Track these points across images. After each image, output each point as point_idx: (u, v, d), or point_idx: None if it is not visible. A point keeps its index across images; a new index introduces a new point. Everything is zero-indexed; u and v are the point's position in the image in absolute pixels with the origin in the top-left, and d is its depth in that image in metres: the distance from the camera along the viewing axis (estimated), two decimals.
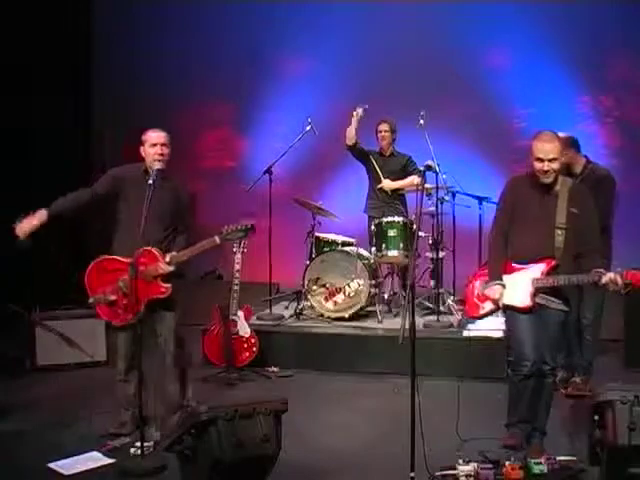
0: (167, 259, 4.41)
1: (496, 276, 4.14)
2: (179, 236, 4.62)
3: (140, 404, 4.26)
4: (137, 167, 4.57)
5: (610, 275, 3.86)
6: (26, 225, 4.44)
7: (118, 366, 4.61)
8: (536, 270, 4.05)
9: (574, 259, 4.04)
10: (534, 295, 4.04)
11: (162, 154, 4.49)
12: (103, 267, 4.49)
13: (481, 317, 4.33)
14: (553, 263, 4.01)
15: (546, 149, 3.94)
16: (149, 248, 4.38)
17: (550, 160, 3.95)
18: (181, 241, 4.60)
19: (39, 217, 4.47)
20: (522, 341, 4.08)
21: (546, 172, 3.98)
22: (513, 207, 4.17)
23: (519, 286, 4.08)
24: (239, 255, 5.82)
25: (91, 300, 4.47)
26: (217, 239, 4.44)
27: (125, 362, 4.56)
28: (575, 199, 4.03)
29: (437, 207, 6.44)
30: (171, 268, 4.41)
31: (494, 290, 4.11)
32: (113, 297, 4.45)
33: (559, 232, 3.99)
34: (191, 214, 4.81)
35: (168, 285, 4.44)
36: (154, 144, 4.50)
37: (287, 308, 6.86)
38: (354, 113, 6.49)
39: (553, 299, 4.07)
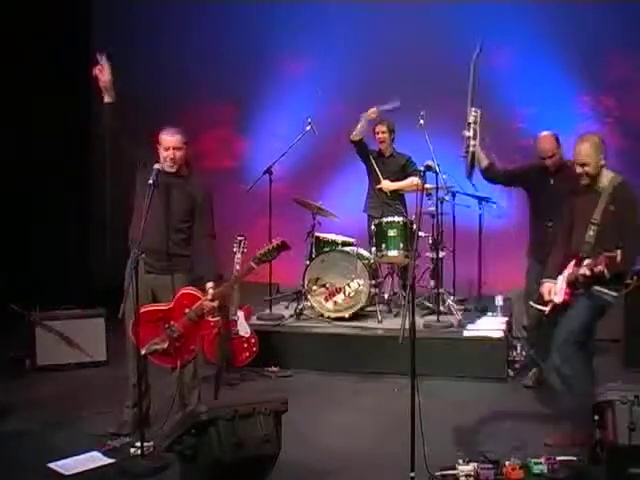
0: (209, 296, 4.39)
1: (552, 272, 4.32)
2: (200, 243, 4.58)
3: (140, 404, 4.27)
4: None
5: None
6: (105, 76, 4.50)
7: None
8: (570, 266, 4.19)
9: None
10: (567, 290, 4.16)
11: (173, 158, 4.46)
12: (145, 320, 4.31)
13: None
14: (578, 257, 4.12)
15: (575, 153, 4.14)
16: (188, 290, 4.42)
17: (581, 164, 4.11)
18: (204, 255, 4.56)
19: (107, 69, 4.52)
20: None
21: (580, 175, 4.15)
22: (571, 205, 4.35)
23: (559, 283, 4.24)
24: (239, 255, 5.82)
25: (144, 352, 4.32)
26: (253, 264, 4.40)
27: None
28: (615, 196, 4.11)
29: (437, 207, 6.44)
30: (215, 304, 4.41)
31: (545, 289, 4.30)
32: (165, 345, 4.40)
33: (592, 227, 4.10)
34: (211, 218, 4.63)
35: (216, 319, 4.48)
36: (167, 148, 4.47)
37: (287, 308, 6.86)
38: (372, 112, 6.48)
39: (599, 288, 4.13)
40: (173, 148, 4.46)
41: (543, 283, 4.32)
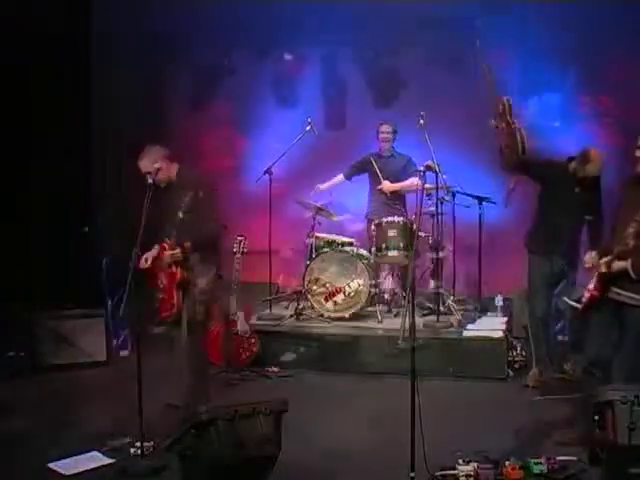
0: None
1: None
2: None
3: (140, 403, 4.28)
4: None
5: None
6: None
7: None
8: (604, 262, 4.11)
9: None
10: (596, 286, 4.10)
11: (153, 183, 4.62)
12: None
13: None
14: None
15: None
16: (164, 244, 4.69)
17: (637, 147, 4.11)
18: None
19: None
20: None
21: (637, 160, 4.12)
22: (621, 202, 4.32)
23: (594, 279, 4.18)
24: (239, 255, 5.82)
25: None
26: None
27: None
28: None
29: (437, 207, 6.44)
30: (174, 252, 4.61)
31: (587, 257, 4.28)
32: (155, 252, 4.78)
33: (633, 224, 4.00)
34: (210, 207, 4.79)
35: (177, 269, 4.64)
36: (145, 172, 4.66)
37: (287, 308, 6.86)
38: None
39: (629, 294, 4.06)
40: (147, 173, 4.63)
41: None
